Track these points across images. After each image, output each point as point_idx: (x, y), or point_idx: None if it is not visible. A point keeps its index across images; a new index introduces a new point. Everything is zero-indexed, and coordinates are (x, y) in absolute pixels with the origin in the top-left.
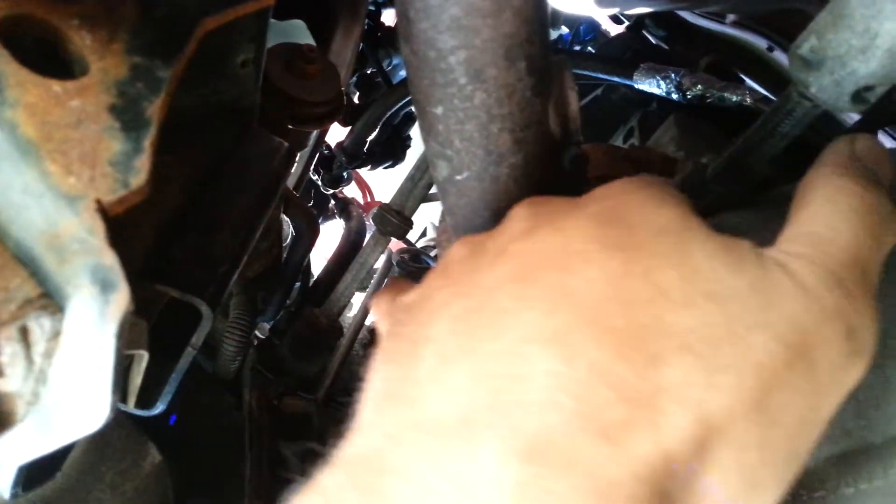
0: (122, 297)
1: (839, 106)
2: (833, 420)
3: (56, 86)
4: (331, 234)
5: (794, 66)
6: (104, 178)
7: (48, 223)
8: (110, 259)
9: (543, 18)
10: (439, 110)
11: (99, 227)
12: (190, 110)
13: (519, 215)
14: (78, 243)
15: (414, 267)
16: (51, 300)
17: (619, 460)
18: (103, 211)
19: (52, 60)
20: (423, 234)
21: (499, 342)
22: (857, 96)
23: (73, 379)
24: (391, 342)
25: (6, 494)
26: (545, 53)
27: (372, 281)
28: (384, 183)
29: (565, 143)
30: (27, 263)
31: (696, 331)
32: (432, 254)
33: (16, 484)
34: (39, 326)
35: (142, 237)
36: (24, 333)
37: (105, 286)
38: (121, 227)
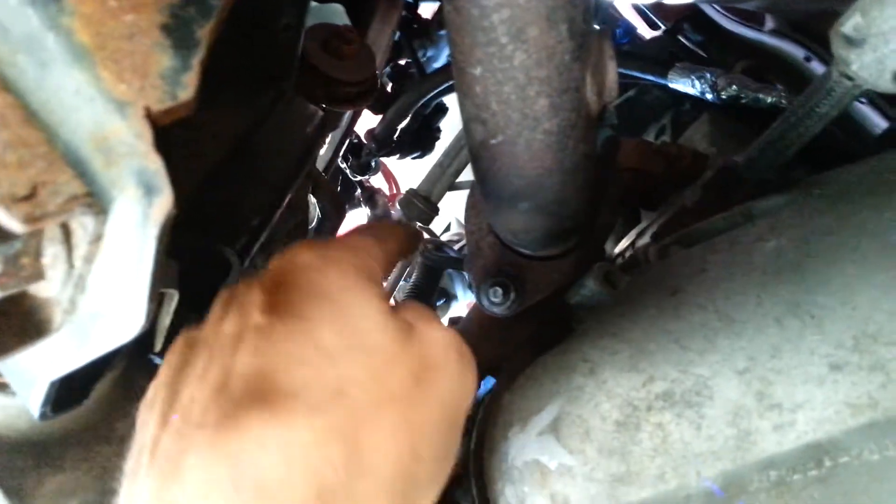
0: (165, 201)
1: (880, 85)
2: (861, 392)
3: (112, 0)
4: (355, 223)
5: (836, 44)
6: (153, 88)
7: (97, 126)
8: (156, 163)
9: None
10: (478, 71)
11: (146, 132)
12: (231, 71)
13: (215, 307)
14: (125, 146)
15: (437, 256)
16: (96, 200)
17: None
18: (151, 118)
19: None
20: (447, 229)
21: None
22: None
23: (113, 284)
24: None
25: (36, 413)
26: (587, 19)
27: (393, 270)
28: (411, 176)
29: (600, 121)
30: (75, 165)
31: (349, 378)
32: (456, 248)
33: (46, 402)
34: (82, 227)
35: (178, 189)
36: (67, 234)
37: (149, 189)
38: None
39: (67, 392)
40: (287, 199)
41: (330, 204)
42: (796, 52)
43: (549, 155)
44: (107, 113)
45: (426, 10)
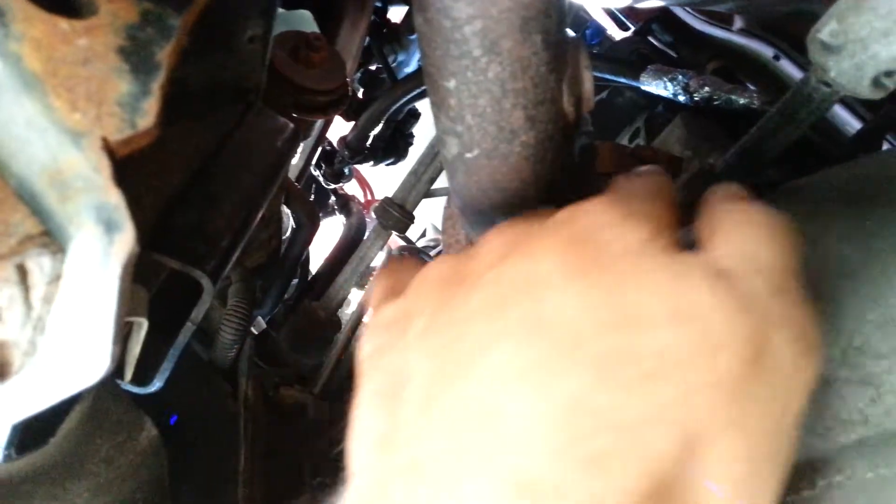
0: (127, 237)
1: (858, 91)
2: (851, 408)
3: (63, 23)
4: (330, 231)
5: (814, 51)
6: (111, 116)
7: (51, 159)
8: (115, 198)
9: None
10: (452, 84)
11: (104, 164)
12: (196, 85)
13: (494, 239)
14: (82, 181)
15: None
16: (52, 239)
17: (609, 489)
18: (109, 149)
19: (60, 2)
20: (423, 235)
21: (476, 379)
22: (877, 81)
23: (74, 325)
24: (371, 374)
25: None
26: (561, 29)
27: (371, 278)
28: (385, 182)
29: (577, 130)
30: (29, 201)
31: (665, 353)
32: (432, 253)
33: (9, 444)
34: (39, 267)
35: (144, 209)
36: (23, 275)
37: (109, 226)
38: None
39: (31, 432)
40: (259, 216)
41: (304, 214)
42: (765, 50)
43: (527, 167)
44: (61, 145)
45: (396, 15)
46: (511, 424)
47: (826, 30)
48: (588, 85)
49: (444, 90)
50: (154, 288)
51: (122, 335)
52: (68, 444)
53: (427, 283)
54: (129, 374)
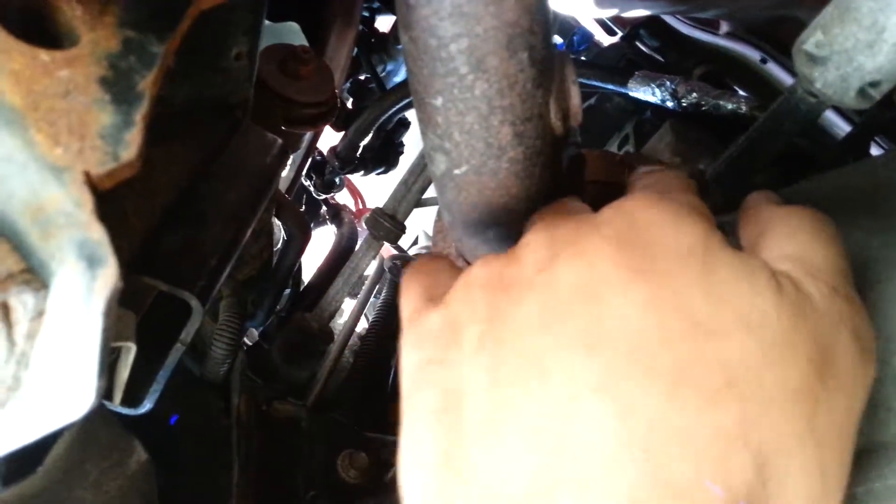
0: (110, 273)
1: (844, 101)
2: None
3: (44, 55)
4: (322, 241)
5: (799, 62)
6: (93, 150)
7: (32, 195)
8: (98, 233)
9: (545, 9)
10: (439, 101)
11: (87, 199)
12: (182, 103)
13: (536, 240)
14: (64, 216)
15: None
16: (34, 275)
17: None
18: (91, 184)
19: (40, 33)
20: (415, 242)
21: (545, 395)
22: (863, 92)
23: (58, 361)
24: (423, 389)
25: None
26: (547, 45)
27: (363, 287)
28: (376, 190)
29: (564, 142)
30: (10, 237)
31: (736, 363)
32: None
33: None
34: (22, 304)
35: (131, 230)
36: (6, 312)
37: (92, 261)
38: (110, 216)
39: (17, 464)
40: (248, 234)
41: (295, 225)
42: (752, 54)
43: (515, 183)
44: (42, 181)
45: (383, 24)
46: (591, 449)
47: (811, 41)
48: (575, 99)
49: (432, 108)
50: (142, 311)
51: (110, 360)
52: (56, 471)
53: (472, 288)
54: (118, 397)
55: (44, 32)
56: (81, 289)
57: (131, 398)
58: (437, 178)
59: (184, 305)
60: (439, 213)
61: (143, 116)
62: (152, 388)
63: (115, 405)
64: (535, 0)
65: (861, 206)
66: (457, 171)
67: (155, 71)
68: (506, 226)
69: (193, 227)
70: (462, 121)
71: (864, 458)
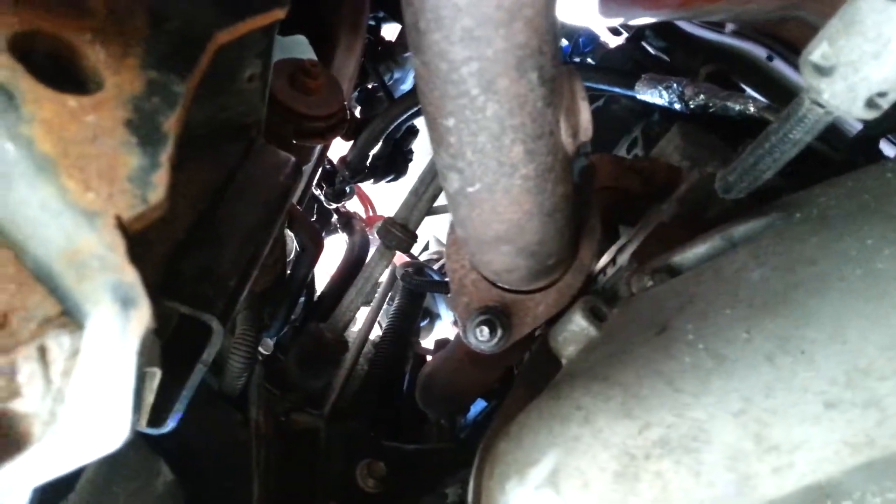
0: (143, 314)
1: (853, 112)
2: (857, 430)
3: (72, 101)
4: (334, 248)
5: (806, 73)
6: (122, 194)
7: (67, 240)
8: (131, 275)
9: (554, 29)
10: (451, 122)
11: (119, 243)
12: (198, 126)
13: None
14: (97, 260)
15: (418, 280)
16: (70, 318)
17: None
18: (122, 227)
19: (66, 76)
20: (426, 248)
21: None
22: (871, 102)
23: (93, 397)
24: None
25: None
26: (556, 63)
27: (377, 295)
28: (386, 197)
29: (575, 156)
30: (46, 280)
31: None
32: (435, 266)
33: None
34: (58, 345)
35: (154, 255)
36: (43, 352)
37: (126, 303)
38: (136, 244)
39: (52, 491)
40: (265, 252)
41: (307, 237)
42: (758, 51)
43: (528, 199)
44: (76, 226)
45: (389, 33)
46: None
47: (817, 52)
48: (585, 115)
49: (444, 128)
50: (165, 335)
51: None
52: (86, 496)
53: None
54: (143, 421)
55: (69, 76)
56: (116, 329)
57: (155, 417)
58: (451, 196)
59: (204, 325)
60: (452, 228)
61: (169, 157)
62: (175, 406)
63: (142, 427)
64: (543, 21)
65: (869, 216)
66: (470, 189)
67: (178, 111)
68: (520, 240)
69: (212, 249)
70: (474, 140)
71: (886, 467)
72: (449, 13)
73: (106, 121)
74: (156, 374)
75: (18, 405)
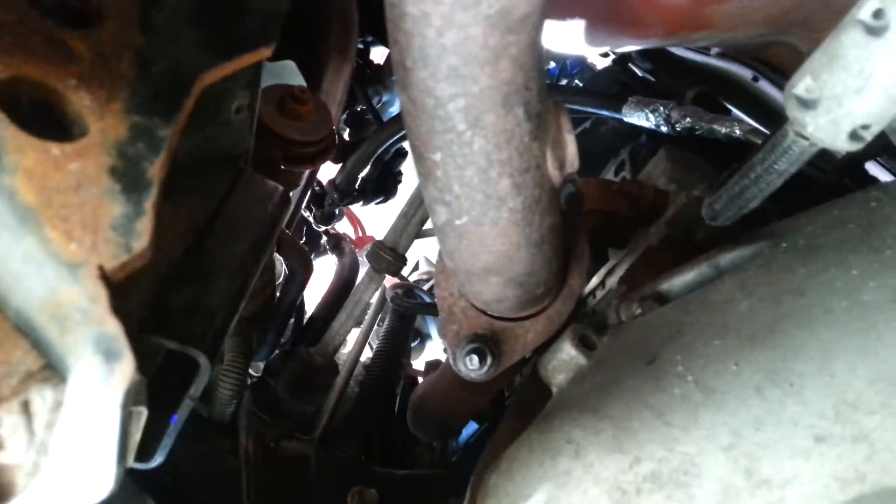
0: (126, 366)
1: (836, 145)
2: (845, 464)
3: (55, 149)
4: (323, 270)
5: (790, 106)
6: (106, 243)
7: (49, 292)
8: (114, 328)
9: (539, 65)
10: (438, 157)
11: (101, 294)
12: (185, 158)
13: None
14: (80, 313)
15: (408, 303)
16: (53, 371)
17: None
18: (105, 278)
19: (49, 121)
20: (416, 268)
21: None
22: (854, 135)
23: (76, 449)
24: None
25: None
26: (542, 98)
27: (367, 317)
28: (376, 217)
29: (562, 186)
30: (28, 333)
31: None
32: (425, 287)
33: None
34: (41, 398)
35: (140, 290)
36: (26, 406)
37: (109, 355)
38: (120, 284)
39: None
40: (252, 284)
41: (297, 261)
42: (744, 72)
43: (516, 231)
44: (58, 278)
45: (377, 56)
46: None
47: (801, 85)
48: (571, 147)
49: (431, 162)
50: (151, 371)
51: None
52: None
53: None
54: (130, 459)
55: (52, 121)
56: (99, 382)
57: (142, 452)
58: (439, 228)
59: (191, 359)
60: (441, 257)
61: (153, 204)
62: (163, 441)
63: (129, 464)
64: (528, 58)
65: (855, 246)
66: (458, 222)
67: (162, 156)
68: (508, 271)
69: (200, 283)
70: (461, 174)
71: (871, 501)
72: (435, 52)
73: (90, 168)
74: (142, 414)
75: (1, 457)
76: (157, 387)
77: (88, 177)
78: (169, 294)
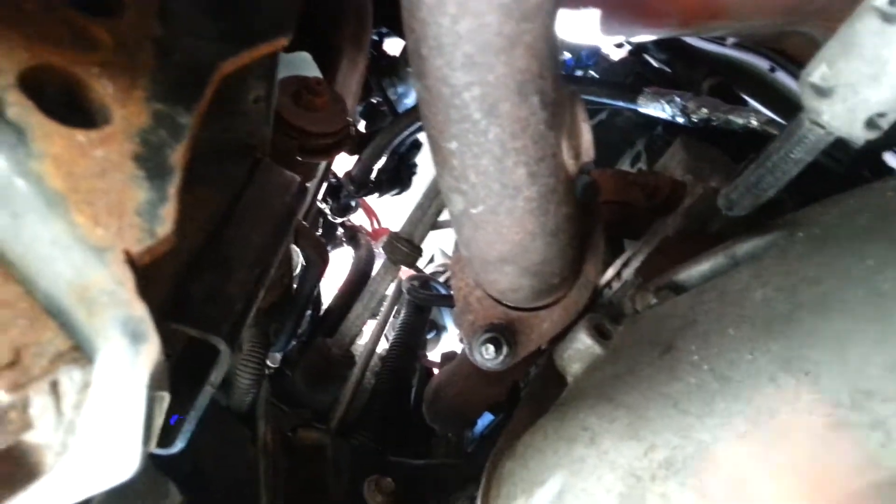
0: (152, 348)
1: (852, 133)
2: (861, 452)
3: (80, 135)
4: (339, 262)
5: (806, 94)
6: (131, 228)
7: (77, 275)
8: (140, 310)
9: (554, 54)
10: (454, 145)
11: (128, 278)
12: (204, 148)
13: None
14: (107, 295)
15: (424, 294)
16: (81, 352)
17: None
18: (131, 262)
19: (74, 110)
20: (432, 260)
21: None
22: (871, 123)
23: (103, 429)
24: None
25: None
26: (557, 86)
27: (383, 308)
28: (391, 209)
29: (578, 175)
30: (56, 315)
31: None
32: (441, 279)
33: None
34: (70, 379)
35: (162, 279)
36: (55, 386)
37: (135, 337)
38: (144, 269)
39: None
40: (272, 273)
41: (313, 252)
42: (761, 63)
43: (531, 220)
44: (85, 262)
45: (392, 47)
46: None
47: (816, 73)
48: (587, 136)
49: (447, 151)
50: (173, 357)
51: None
52: None
53: None
54: (153, 444)
55: (77, 109)
56: (126, 363)
57: (163, 438)
58: (455, 217)
59: (211, 346)
60: (457, 246)
61: (176, 190)
62: (184, 427)
63: (152, 448)
64: (543, 46)
65: (871, 236)
66: (473, 211)
67: (184, 143)
68: (524, 260)
69: (219, 272)
70: (477, 163)
71: (887, 489)
72: (450, 40)
73: (114, 155)
74: (164, 398)
75: (31, 437)
76: (178, 374)
77: (113, 163)
78: (189, 283)
